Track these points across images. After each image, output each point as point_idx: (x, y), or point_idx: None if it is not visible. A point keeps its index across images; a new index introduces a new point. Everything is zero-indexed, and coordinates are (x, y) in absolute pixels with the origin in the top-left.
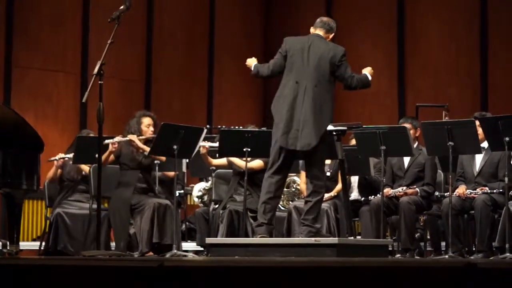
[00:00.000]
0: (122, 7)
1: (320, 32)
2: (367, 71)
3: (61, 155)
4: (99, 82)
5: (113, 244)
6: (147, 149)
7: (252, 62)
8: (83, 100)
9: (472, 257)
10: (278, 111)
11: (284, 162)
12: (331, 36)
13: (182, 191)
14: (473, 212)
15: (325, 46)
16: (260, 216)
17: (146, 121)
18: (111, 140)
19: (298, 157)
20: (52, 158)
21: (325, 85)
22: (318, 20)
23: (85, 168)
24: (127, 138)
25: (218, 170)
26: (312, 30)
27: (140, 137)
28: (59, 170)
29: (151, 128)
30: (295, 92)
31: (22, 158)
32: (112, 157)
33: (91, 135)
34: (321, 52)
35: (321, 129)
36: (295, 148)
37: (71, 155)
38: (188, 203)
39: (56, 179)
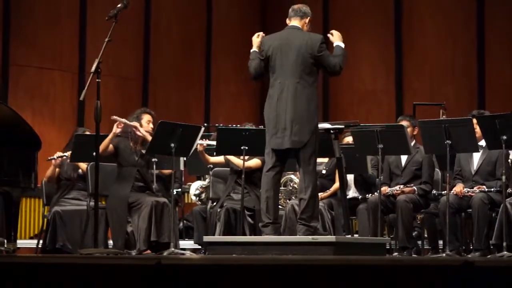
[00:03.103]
0: (119, 5)
1: (295, 22)
2: (336, 40)
3: (59, 153)
4: (97, 80)
5: (110, 242)
6: (149, 137)
7: (255, 42)
8: (81, 98)
9: (469, 256)
10: (266, 113)
11: (278, 161)
12: (307, 20)
13: (179, 189)
14: (470, 210)
15: (302, 38)
16: (264, 215)
17: (146, 117)
18: (117, 117)
19: (290, 156)
20: (50, 158)
21: (308, 79)
22: (290, 10)
23: (82, 166)
24: (133, 123)
25: (216, 169)
26: (287, 21)
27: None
28: (57, 169)
29: (151, 125)
30: (278, 92)
31: (19, 156)
32: (111, 147)
33: (87, 133)
34: (299, 45)
35: (312, 124)
36: (286, 147)
37: (69, 153)
38: (186, 201)
39: (54, 178)
